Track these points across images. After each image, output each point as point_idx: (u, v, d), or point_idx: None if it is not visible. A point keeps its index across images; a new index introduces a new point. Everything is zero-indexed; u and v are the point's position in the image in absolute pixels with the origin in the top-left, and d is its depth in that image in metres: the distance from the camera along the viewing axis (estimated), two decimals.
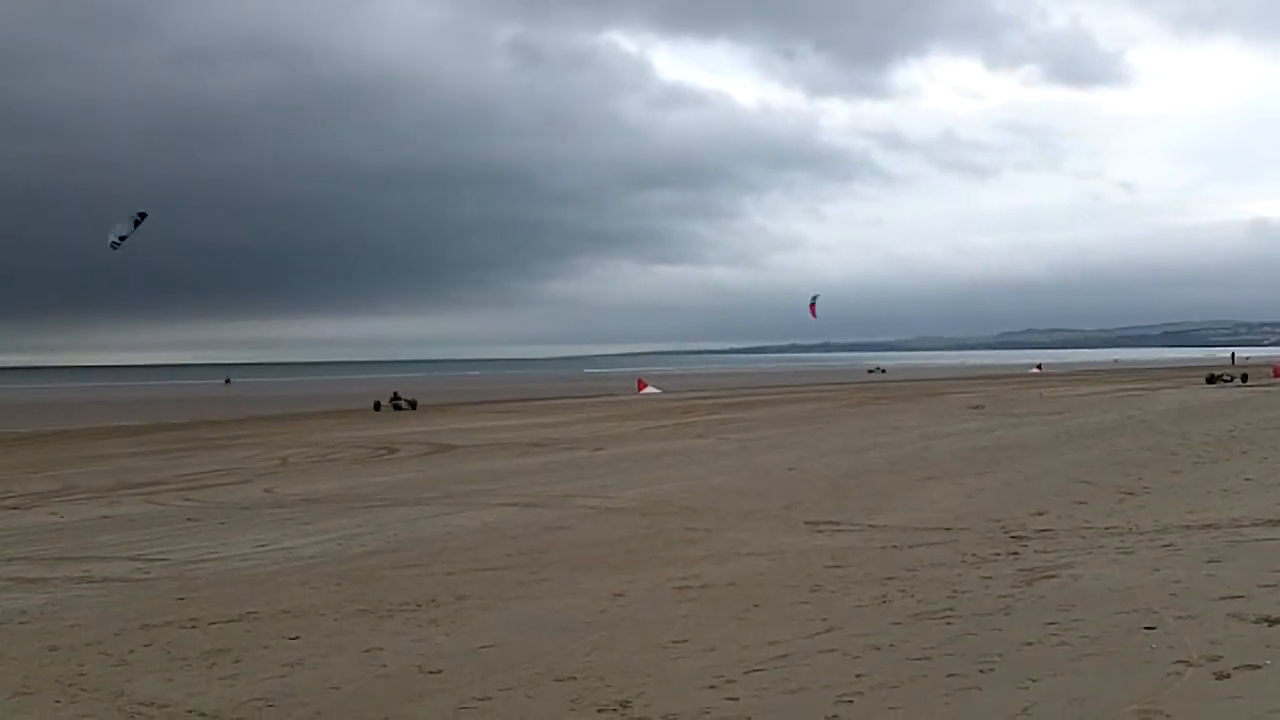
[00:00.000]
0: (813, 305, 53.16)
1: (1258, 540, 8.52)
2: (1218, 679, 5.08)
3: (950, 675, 5.36)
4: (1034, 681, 5.19)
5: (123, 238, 33.82)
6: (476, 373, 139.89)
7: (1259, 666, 5.21)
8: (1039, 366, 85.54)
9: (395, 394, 44.50)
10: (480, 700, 5.44)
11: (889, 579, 7.73)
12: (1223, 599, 6.53)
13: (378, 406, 42.68)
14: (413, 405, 42.85)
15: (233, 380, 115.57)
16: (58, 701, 5.79)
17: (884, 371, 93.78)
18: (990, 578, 7.61)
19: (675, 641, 6.34)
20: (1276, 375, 44.46)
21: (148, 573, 9.39)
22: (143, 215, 34.24)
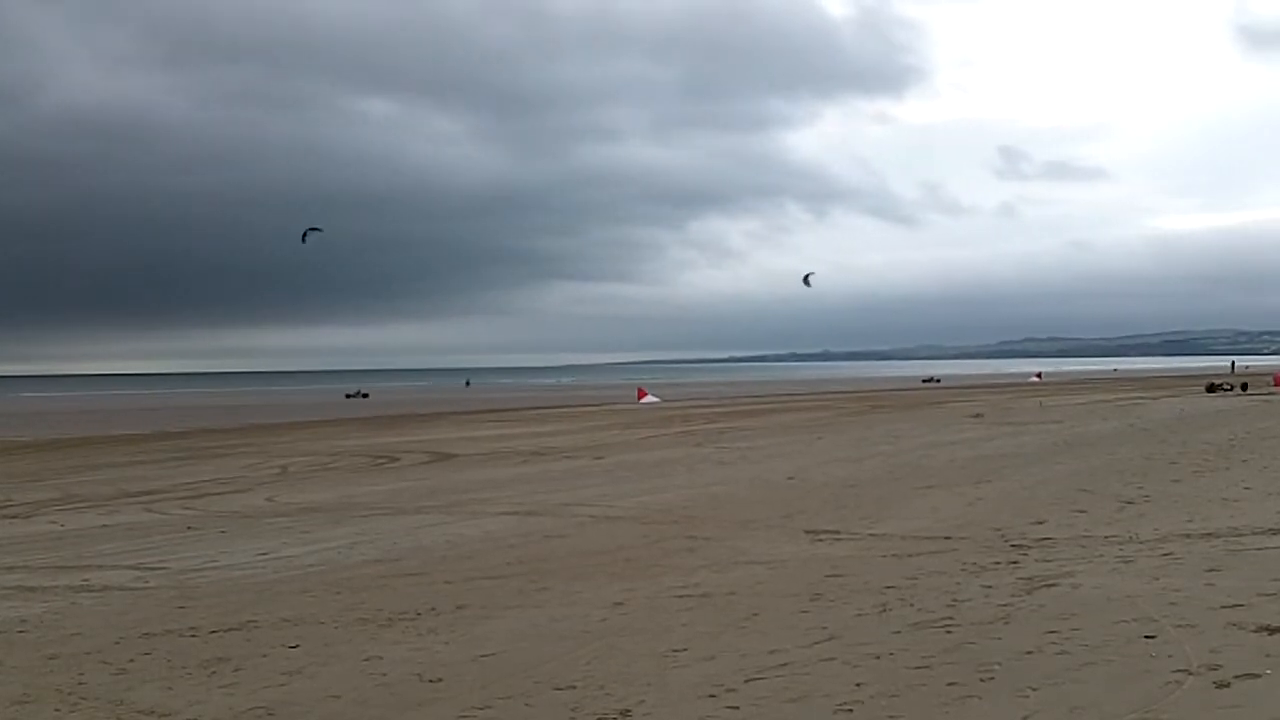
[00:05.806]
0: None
1: (1258, 549, 8.51)
2: (1217, 688, 5.09)
3: (950, 684, 5.37)
4: (1034, 690, 5.19)
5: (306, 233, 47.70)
6: (426, 383, 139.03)
7: (1259, 676, 5.20)
8: (1039, 375, 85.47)
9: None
10: (480, 709, 5.44)
11: (889, 588, 7.73)
12: (1223, 608, 6.53)
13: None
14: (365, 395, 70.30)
15: (472, 383, 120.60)
16: (57, 710, 5.79)
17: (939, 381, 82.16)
18: (990, 586, 7.61)
19: (675, 650, 6.34)
20: (1277, 384, 44.41)
21: (147, 581, 9.39)
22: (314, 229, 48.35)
